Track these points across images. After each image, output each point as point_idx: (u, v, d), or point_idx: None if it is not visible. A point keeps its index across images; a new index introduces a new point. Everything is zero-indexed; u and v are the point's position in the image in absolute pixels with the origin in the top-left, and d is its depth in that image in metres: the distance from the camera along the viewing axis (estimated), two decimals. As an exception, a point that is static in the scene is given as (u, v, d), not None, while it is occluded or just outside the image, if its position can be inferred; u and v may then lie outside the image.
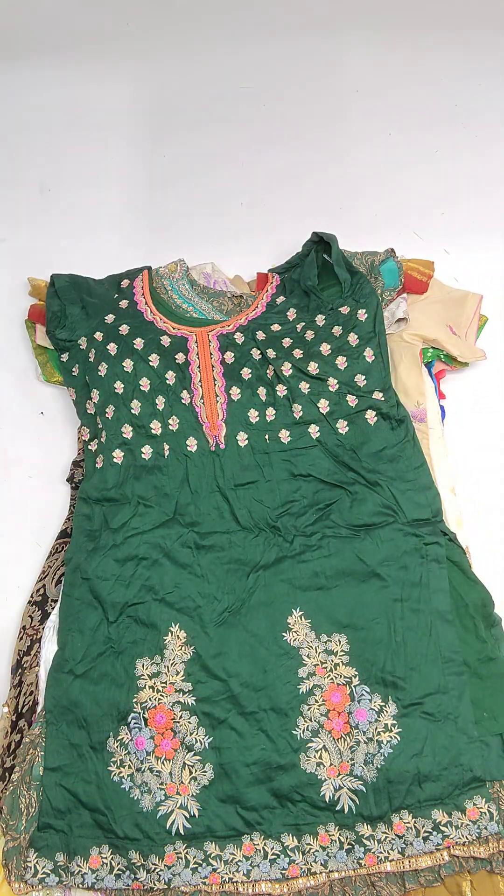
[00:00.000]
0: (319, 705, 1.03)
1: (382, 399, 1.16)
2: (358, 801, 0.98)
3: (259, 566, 1.10)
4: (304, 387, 1.17)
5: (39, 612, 1.15)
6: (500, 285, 1.37)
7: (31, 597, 1.17)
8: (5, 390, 1.37)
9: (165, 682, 1.05)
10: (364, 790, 0.98)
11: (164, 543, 1.11)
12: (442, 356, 1.27)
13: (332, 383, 1.17)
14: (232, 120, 1.53)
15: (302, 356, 1.19)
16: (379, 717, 1.02)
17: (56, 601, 1.14)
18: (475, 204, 1.45)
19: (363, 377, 1.17)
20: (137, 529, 1.12)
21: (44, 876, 0.97)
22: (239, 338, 1.22)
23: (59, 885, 0.97)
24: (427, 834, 0.96)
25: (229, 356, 1.20)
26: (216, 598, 1.09)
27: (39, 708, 1.06)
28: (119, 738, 1.03)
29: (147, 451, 1.15)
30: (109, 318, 1.23)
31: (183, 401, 1.17)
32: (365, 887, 0.96)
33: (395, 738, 1.00)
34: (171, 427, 1.16)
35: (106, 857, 0.98)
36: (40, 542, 1.24)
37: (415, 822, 0.97)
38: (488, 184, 1.46)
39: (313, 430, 1.16)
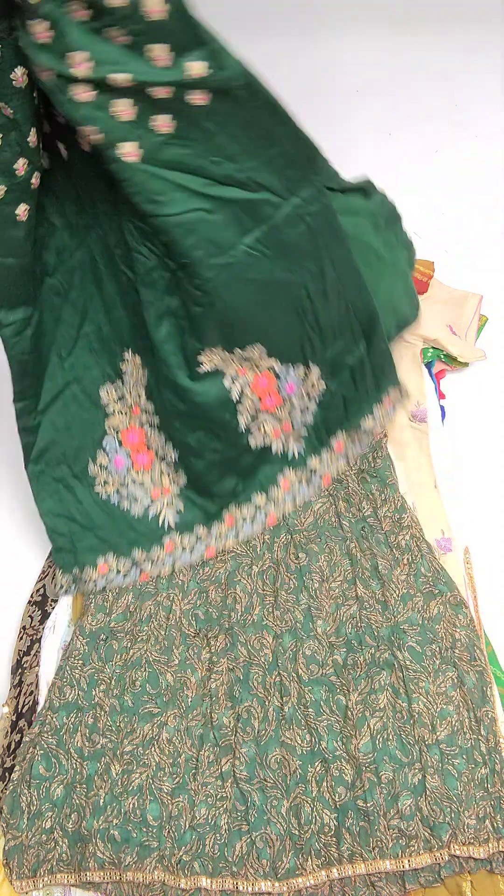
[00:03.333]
0: (251, 398, 1.05)
1: None
2: (305, 446, 1.09)
3: None
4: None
5: (39, 612, 1.15)
6: (500, 285, 1.37)
7: (31, 597, 1.17)
8: (5, 390, 1.36)
9: (130, 405, 1.09)
10: (308, 435, 1.09)
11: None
12: (442, 356, 1.28)
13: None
14: (232, 120, 1.53)
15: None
16: (305, 381, 1.05)
17: (56, 601, 1.15)
18: (475, 204, 1.45)
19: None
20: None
21: (67, 586, 1.10)
22: None
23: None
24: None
25: None
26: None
27: (39, 708, 1.06)
28: (98, 461, 1.10)
29: None
30: None
31: None
32: (365, 887, 0.95)
33: None
34: None
35: (112, 563, 1.09)
36: (40, 542, 1.24)
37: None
38: (488, 184, 1.46)
39: None
